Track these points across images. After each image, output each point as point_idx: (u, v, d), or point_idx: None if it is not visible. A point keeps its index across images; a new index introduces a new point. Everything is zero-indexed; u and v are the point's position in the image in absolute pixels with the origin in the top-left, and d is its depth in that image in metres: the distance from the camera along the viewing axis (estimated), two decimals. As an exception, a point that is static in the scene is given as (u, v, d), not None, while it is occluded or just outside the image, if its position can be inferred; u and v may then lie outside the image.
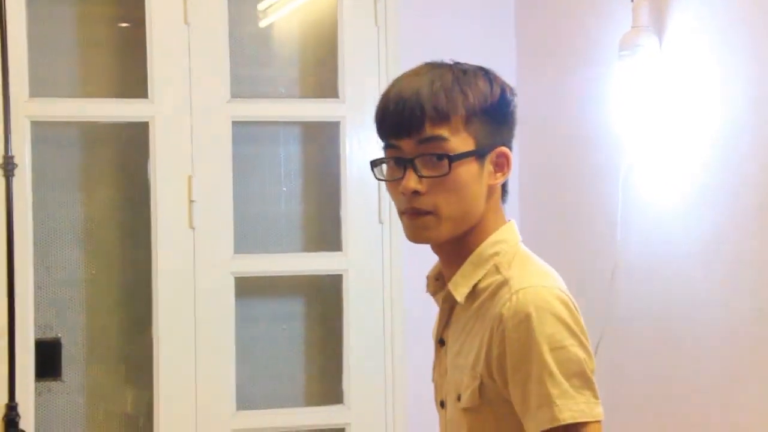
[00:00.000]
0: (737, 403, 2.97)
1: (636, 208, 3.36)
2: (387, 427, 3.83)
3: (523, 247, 2.13)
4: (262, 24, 4.09)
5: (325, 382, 4.04)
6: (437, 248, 2.15)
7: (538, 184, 3.45)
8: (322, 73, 4.06)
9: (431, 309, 3.33)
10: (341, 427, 3.81)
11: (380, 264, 3.86)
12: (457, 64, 2.13)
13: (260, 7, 4.06)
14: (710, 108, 3.01)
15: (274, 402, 3.97)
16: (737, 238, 2.94)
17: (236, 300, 3.74)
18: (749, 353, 2.89)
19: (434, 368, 2.30)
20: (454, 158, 2.00)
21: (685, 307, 3.13)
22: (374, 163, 2.11)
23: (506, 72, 3.30)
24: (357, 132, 3.85)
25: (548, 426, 1.92)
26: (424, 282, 3.28)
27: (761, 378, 2.83)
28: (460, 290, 2.11)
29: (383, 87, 3.31)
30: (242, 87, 3.82)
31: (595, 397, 1.94)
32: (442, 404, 2.26)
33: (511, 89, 2.15)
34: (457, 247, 2.11)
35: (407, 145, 2.02)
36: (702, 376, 3.11)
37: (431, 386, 2.77)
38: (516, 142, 2.09)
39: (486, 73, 2.12)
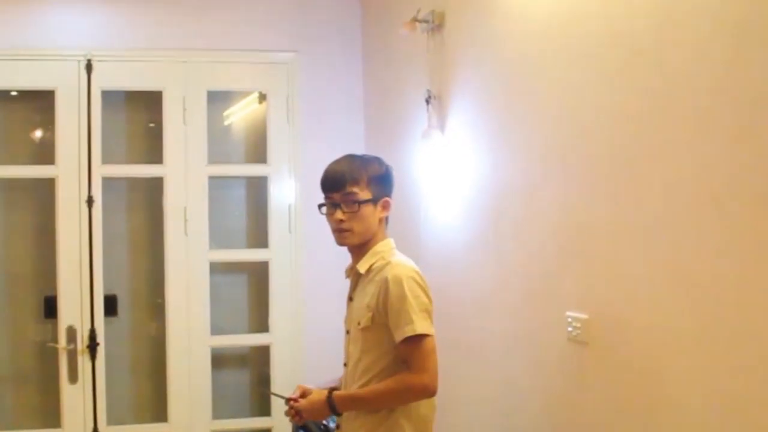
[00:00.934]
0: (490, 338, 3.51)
1: (430, 224, 4.10)
2: (294, 345, 5.02)
3: (396, 249, 3.04)
4: (226, 123, 5.35)
5: (259, 319, 5.16)
6: (351, 248, 3.04)
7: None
8: (258, 149, 5.14)
9: (316, 280, 4.80)
10: (267, 345, 5.03)
11: (289, 255, 5.04)
12: (364, 155, 3.09)
13: (225, 114, 5.32)
14: (469, 168, 3.64)
15: (230, 330, 5.14)
16: (485, 237, 3.53)
17: (210, 275, 4.94)
18: (499, 308, 3.44)
19: (346, 314, 3.13)
20: (361, 203, 2.93)
21: (457, 280, 3.79)
22: (320, 205, 3.02)
23: (359, 147, 4.51)
24: (276, 182, 5.05)
25: (410, 333, 2.78)
26: (312, 265, 4.50)
27: (507, 326, 3.36)
28: (363, 267, 2.99)
29: (292, 158, 4.80)
30: (214, 157, 4.96)
31: (432, 324, 2.85)
32: (348, 332, 3.06)
33: (389, 167, 3.06)
34: (362, 248, 3.01)
35: (337, 196, 2.95)
36: (466, 318, 3.72)
37: (320, 320, 4.17)
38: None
39: (378, 159, 3.07)
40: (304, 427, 3.23)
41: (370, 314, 2.90)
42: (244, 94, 5.34)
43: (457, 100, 3.78)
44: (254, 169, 5.26)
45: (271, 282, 5.08)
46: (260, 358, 5.21)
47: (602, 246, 2.70)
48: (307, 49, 5.13)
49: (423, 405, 2.91)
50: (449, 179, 3.84)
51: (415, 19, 3.99)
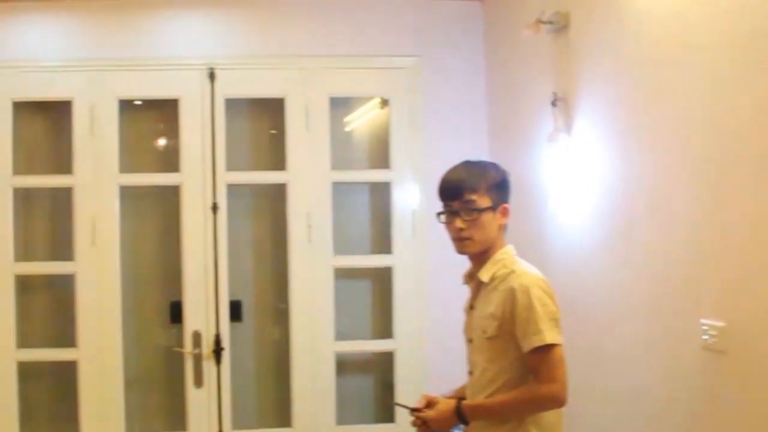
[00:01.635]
0: (621, 339, 3.50)
1: (557, 229, 4.11)
2: (418, 352, 5.02)
3: (517, 256, 3.05)
4: (348, 129, 5.36)
5: (383, 325, 5.20)
6: (472, 256, 3.07)
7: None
8: (380, 154, 5.19)
9: (440, 286, 4.72)
10: (391, 351, 5.06)
11: (413, 261, 5.04)
12: (480, 161, 3.10)
13: (346, 120, 5.33)
14: (597, 171, 3.65)
15: (354, 336, 5.18)
16: (615, 242, 3.54)
17: (334, 281, 4.98)
18: (629, 314, 3.42)
19: (466, 322, 3.17)
20: (480, 211, 2.96)
21: (585, 286, 3.78)
22: (439, 213, 3.05)
23: (482, 151, 4.55)
24: (399, 187, 5.08)
25: (539, 344, 2.79)
26: (437, 271, 4.52)
27: (635, 331, 3.36)
28: (485, 276, 3.00)
29: (415, 163, 4.84)
30: (337, 162, 5.01)
31: (560, 333, 2.84)
32: (470, 340, 3.10)
33: (507, 173, 3.08)
34: (482, 256, 3.03)
35: (456, 204, 2.98)
36: (592, 326, 3.73)
37: (445, 327, 4.17)
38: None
39: (495, 165, 3.10)
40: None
41: (496, 323, 2.90)
42: (366, 99, 5.36)
43: (584, 101, 3.76)
44: (377, 175, 5.27)
45: (394, 288, 5.10)
46: (384, 364, 5.21)
47: (742, 249, 2.64)
48: (428, 53, 5.11)
49: (551, 413, 2.90)
50: (577, 182, 3.84)
51: (539, 21, 3.97)
